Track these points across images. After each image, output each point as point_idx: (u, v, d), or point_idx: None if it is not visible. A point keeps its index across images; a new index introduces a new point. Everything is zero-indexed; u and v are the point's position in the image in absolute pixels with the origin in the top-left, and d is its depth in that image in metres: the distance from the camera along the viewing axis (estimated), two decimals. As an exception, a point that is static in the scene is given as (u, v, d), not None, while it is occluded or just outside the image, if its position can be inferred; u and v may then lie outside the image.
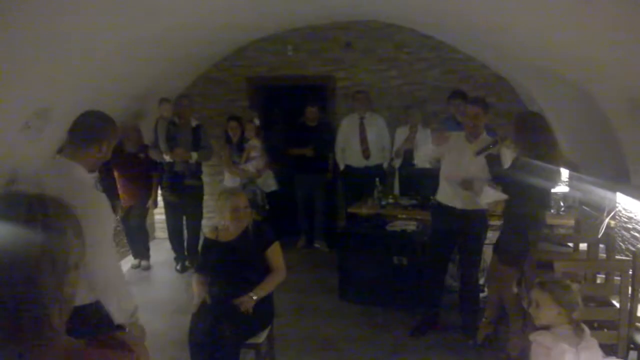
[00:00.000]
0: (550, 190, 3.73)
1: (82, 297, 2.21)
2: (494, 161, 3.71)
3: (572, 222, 4.48)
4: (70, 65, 4.14)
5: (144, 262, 5.99)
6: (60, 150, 2.46)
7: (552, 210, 4.84)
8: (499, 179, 3.74)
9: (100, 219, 2.32)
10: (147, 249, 6.05)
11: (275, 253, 3.44)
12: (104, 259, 2.29)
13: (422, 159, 4.33)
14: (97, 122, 2.51)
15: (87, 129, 2.45)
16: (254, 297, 3.25)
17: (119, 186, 5.47)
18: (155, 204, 5.92)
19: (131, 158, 5.49)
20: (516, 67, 5.45)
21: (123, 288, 2.43)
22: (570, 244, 4.18)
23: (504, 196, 3.69)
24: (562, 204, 4.90)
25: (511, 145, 3.65)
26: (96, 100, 4.85)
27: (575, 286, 2.50)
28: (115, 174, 5.42)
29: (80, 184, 2.36)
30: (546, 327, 2.48)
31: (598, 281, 3.74)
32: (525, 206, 3.59)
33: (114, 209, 5.24)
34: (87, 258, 0.99)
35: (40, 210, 0.93)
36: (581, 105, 4.26)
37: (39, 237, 0.91)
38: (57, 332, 0.93)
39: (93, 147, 2.42)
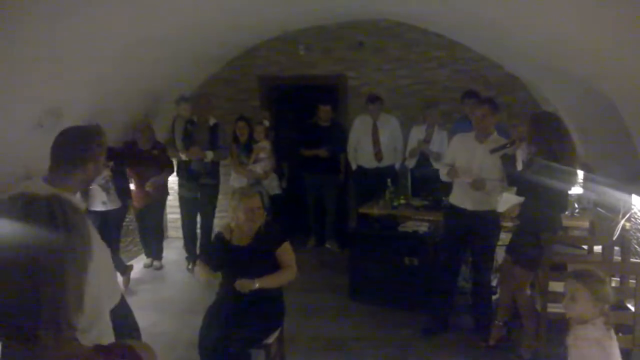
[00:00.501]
0: (566, 192, 3.68)
1: None
2: (508, 162, 3.68)
3: (586, 224, 4.43)
4: (81, 64, 4.16)
5: (156, 262, 6.00)
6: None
7: (566, 212, 4.79)
8: (513, 180, 3.71)
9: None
10: (161, 249, 6.07)
11: (285, 251, 3.41)
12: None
13: (443, 176, 4.30)
14: (79, 142, 2.21)
15: (69, 151, 2.18)
16: (256, 285, 3.20)
17: (133, 185, 5.47)
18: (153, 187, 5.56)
19: (144, 155, 5.50)
20: (530, 66, 5.40)
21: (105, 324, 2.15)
22: (585, 247, 4.13)
23: (521, 199, 3.66)
24: (576, 205, 4.84)
25: (527, 146, 3.62)
26: (108, 99, 4.89)
27: (608, 279, 2.50)
28: (128, 172, 5.42)
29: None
30: (578, 321, 2.48)
31: (613, 284, 3.68)
32: (541, 208, 3.55)
33: (127, 208, 5.25)
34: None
35: (60, 210, 0.93)
36: (596, 105, 4.21)
37: (62, 237, 0.91)
38: (73, 334, 0.93)
39: (77, 169, 2.18)
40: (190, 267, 5.93)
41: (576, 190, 5.20)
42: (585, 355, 2.43)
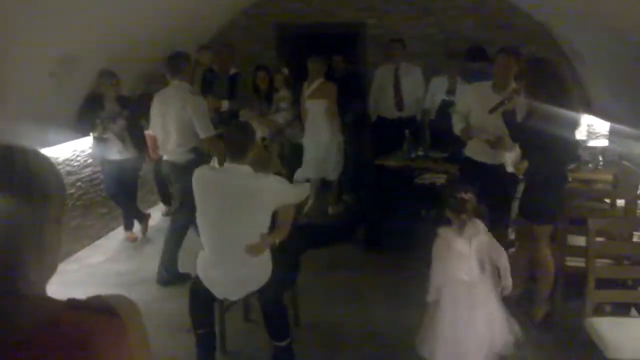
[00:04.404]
0: (571, 140, 3.50)
1: None
2: (510, 118, 3.53)
3: (610, 178, 4.30)
4: (97, 13, 4.10)
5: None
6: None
7: (589, 165, 4.66)
8: (515, 135, 3.57)
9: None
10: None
11: (287, 209, 3.20)
12: None
13: (456, 130, 4.15)
14: None
15: None
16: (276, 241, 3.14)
17: (148, 136, 5.41)
18: None
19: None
20: (560, 15, 5.16)
21: None
22: (607, 200, 4.02)
23: (519, 152, 3.54)
24: (600, 158, 4.70)
25: (525, 97, 3.47)
26: (122, 47, 4.82)
27: (468, 196, 2.85)
28: (144, 123, 5.33)
29: None
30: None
31: (635, 239, 3.59)
32: (546, 160, 3.41)
33: (142, 157, 5.23)
34: None
35: (18, 158, 0.89)
36: (626, 57, 4.03)
37: (18, 182, 0.87)
38: (33, 287, 0.88)
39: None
40: None
41: (601, 142, 5.05)
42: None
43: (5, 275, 0.85)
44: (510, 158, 3.58)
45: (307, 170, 5.87)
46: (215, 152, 4.16)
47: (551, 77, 3.37)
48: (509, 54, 3.86)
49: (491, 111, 3.62)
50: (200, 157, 4.32)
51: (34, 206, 0.88)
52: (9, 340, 0.82)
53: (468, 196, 2.85)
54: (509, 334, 2.84)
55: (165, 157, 4.54)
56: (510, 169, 3.66)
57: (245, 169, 2.93)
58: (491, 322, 2.83)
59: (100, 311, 0.91)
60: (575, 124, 3.43)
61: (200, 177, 3.06)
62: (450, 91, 5.56)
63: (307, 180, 5.70)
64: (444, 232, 2.91)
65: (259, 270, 3.01)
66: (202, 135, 4.21)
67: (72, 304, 0.90)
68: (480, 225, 2.90)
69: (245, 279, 3.00)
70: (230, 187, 2.91)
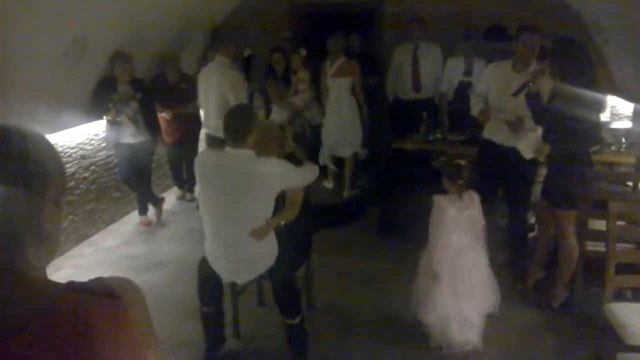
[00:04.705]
0: (596, 122, 3.38)
1: None
2: (534, 100, 3.41)
3: (633, 160, 4.17)
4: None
5: (188, 194, 6.04)
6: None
7: (612, 147, 4.53)
8: (539, 117, 3.45)
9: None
10: (194, 182, 6.06)
11: (295, 191, 3.16)
12: None
13: (473, 111, 4.04)
14: None
15: None
16: (282, 223, 3.10)
17: (161, 119, 5.40)
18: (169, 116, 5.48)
19: (172, 89, 5.42)
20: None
21: None
22: (630, 183, 3.90)
23: (539, 134, 3.42)
24: (623, 140, 4.56)
25: (549, 77, 3.34)
26: (135, 30, 4.79)
27: (464, 162, 2.99)
28: (158, 106, 5.32)
29: None
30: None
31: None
32: (571, 142, 3.31)
33: (156, 141, 5.21)
34: None
35: (16, 141, 0.88)
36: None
37: (16, 164, 0.86)
38: (32, 270, 0.87)
39: None
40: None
41: (624, 124, 4.91)
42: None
43: (4, 258, 0.85)
44: (528, 144, 3.47)
45: (333, 148, 5.88)
46: None
47: (578, 58, 3.26)
48: (533, 33, 3.71)
49: (515, 94, 3.50)
50: None
51: (33, 189, 0.88)
52: (8, 323, 0.81)
53: (464, 162, 2.96)
54: (494, 296, 3.08)
55: (208, 132, 4.96)
56: (529, 155, 3.53)
57: (247, 153, 2.84)
58: (481, 287, 3.02)
59: (101, 294, 0.90)
60: (600, 106, 3.33)
61: (201, 161, 3.03)
62: (468, 72, 5.44)
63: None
64: (439, 199, 3.00)
65: (263, 254, 2.97)
66: None
67: (72, 287, 0.90)
68: (475, 197, 3.02)
69: (249, 263, 2.97)
70: (231, 172, 2.86)
